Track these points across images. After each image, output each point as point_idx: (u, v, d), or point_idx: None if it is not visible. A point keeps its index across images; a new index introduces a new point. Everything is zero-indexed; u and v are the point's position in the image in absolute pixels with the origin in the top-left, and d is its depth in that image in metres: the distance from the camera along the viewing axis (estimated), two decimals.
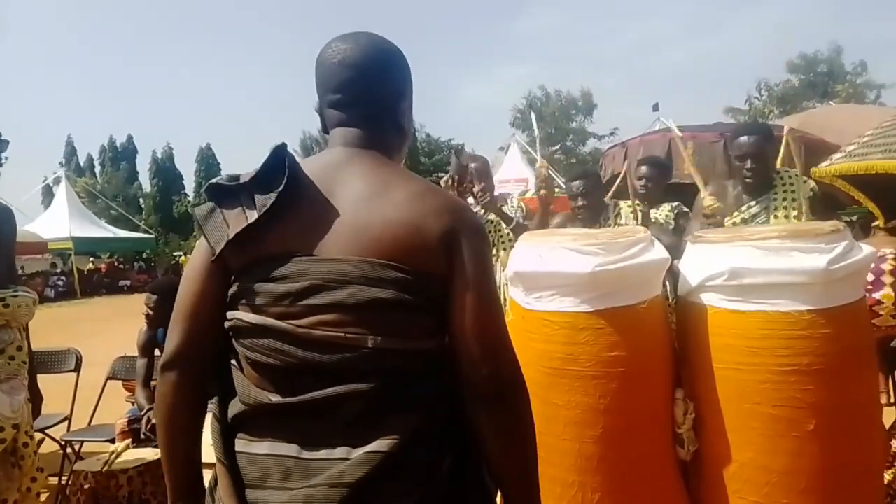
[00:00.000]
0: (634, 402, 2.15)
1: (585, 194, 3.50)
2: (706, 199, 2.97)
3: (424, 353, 1.19)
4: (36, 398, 2.94)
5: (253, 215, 1.19)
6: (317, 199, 1.20)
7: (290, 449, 1.16)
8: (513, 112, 29.01)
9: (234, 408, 1.23)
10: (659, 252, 2.20)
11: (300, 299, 1.15)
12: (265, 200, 1.20)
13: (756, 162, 3.03)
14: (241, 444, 1.22)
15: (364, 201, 1.18)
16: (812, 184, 3.12)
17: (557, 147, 27.40)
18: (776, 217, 2.99)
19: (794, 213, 2.98)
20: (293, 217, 1.20)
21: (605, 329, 2.13)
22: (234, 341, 1.23)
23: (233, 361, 1.26)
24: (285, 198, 1.19)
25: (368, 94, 1.30)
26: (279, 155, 1.24)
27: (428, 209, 1.17)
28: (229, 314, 1.22)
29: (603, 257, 2.10)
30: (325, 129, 1.37)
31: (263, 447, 1.18)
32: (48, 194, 33.70)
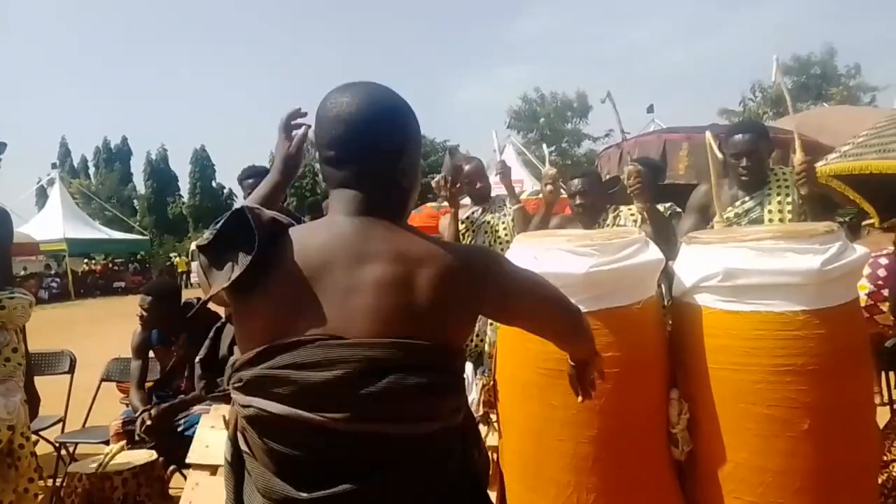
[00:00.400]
0: (629, 403, 2.16)
1: (584, 193, 3.50)
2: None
3: (455, 430, 1.21)
4: (33, 400, 2.93)
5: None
6: (328, 278, 1.13)
7: None
8: (508, 114, 29.04)
9: (254, 501, 1.18)
10: (653, 253, 2.21)
11: (336, 389, 1.07)
12: (243, 262, 1.12)
13: (751, 159, 3.05)
14: None
15: (385, 281, 1.11)
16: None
17: (553, 149, 27.42)
18: (769, 212, 3.01)
19: (789, 207, 3.00)
20: (309, 296, 1.12)
21: (601, 330, 2.12)
22: (248, 429, 1.16)
23: (245, 449, 1.19)
24: (292, 271, 1.13)
25: (361, 151, 1.21)
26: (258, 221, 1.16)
27: (459, 288, 1.16)
28: (243, 400, 1.14)
29: (597, 258, 2.10)
30: (326, 184, 1.31)
31: None
32: (42, 196, 33.62)
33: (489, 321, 3.89)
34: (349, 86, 1.24)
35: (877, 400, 2.94)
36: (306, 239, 1.18)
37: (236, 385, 1.16)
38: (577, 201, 3.52)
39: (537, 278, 1.37)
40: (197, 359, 3.50)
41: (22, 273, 24.11)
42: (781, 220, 2.98)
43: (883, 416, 2.61)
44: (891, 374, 3.72)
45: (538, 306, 1.36)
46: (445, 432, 1.17)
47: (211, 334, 3.56)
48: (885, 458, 2.51)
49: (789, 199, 3.00)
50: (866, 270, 4.14)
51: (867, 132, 2.76)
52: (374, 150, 1.21)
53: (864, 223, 4.66)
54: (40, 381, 3.04)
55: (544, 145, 5.35)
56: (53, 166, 31.98)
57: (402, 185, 1.26)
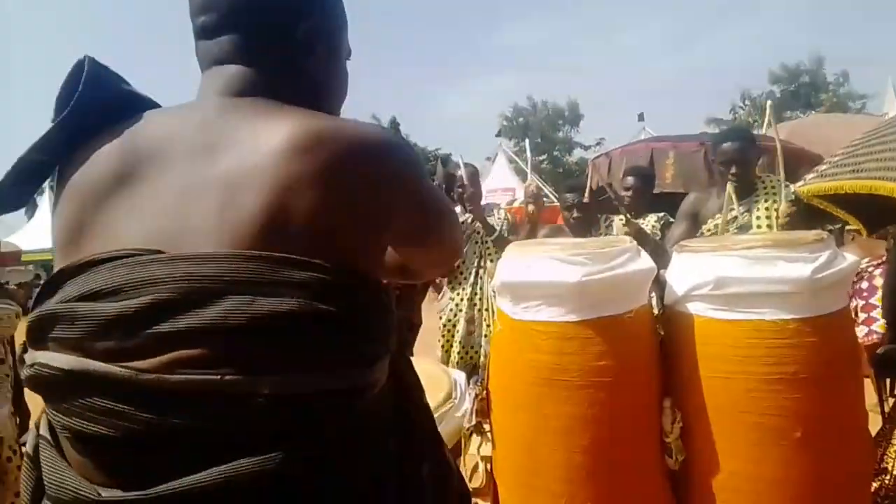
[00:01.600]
0: (622, 412, 2.15)
1: (579, 207, 3.53)
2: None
3: (354, 395, 0.78)
4: (23, 412, 2.90)
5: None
6: (165, 168, 0.80)
7: None
8: (500, 120, 29.14)
9: None
10: (645, 261, 2.21)
11: (142, 326, 0.71)
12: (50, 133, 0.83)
13: (740, 166, 3.08)
14: None
15: (240, 166, 0.78)
16: (794, 189, 3.17)
17: (544, 157, 27.52)
18: (758, 219, 3.05)
19: (777, 214, 3.02)
20: (127, 195, 0.80)
21: (593, 338, 2.12)
22: (46, 403, 0.79)
23: (45, 433, 0.81)
24: (105, 162, 0.81)
25: (244, 10, 0.89)
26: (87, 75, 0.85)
27: (335, 149, 0.79)
28: (27, 357, 0.79)
29: (589, 267, 2.10)
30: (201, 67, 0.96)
31: None
32: (31, 205, 33.42)
33: (484, 334, 3.88)
34: None
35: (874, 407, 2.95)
36: (146, 120, 0.86)
37: (26, 339, 0.82)
38: (574, 214, 3.54)
39: (444, 200, 1.02)
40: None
41: (12, 283, 23.92)
42: (769, 227, 3.01)
43: (875, 424, 2.61)
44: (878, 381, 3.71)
45: (436, 238, 1.00)
46: (343, 398, 0.77)
47: None
48: (878, 465, 2.52)
49: (777, 206, 3.03)
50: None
51: (843, 151, 2.78)
52: (262, 9, 0.90)
53: (847, 228, 4.70)
54: (27, 394, 3.01)
55: (526, 141, 5.40)
56: None
57: (307, 69, 0.93)
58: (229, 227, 0.76)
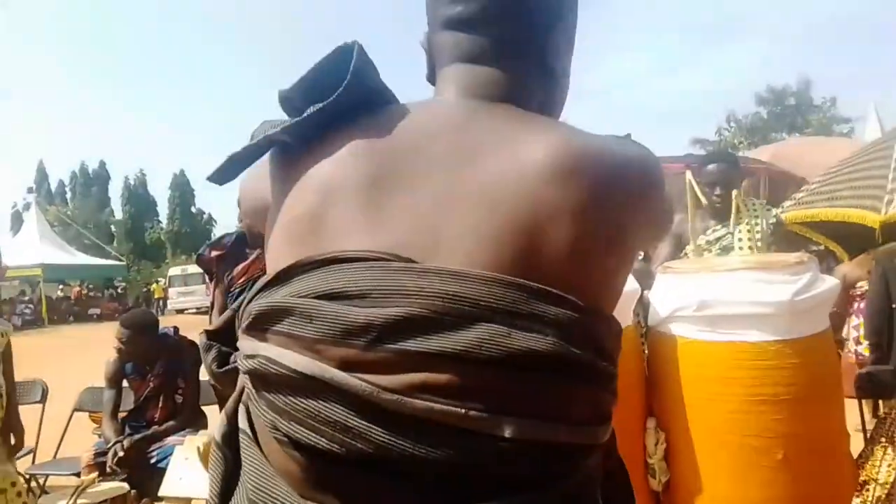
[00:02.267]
0: None
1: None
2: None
3: (591, 451, 0.73)
4: (16, 432, 2.87)
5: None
6: (418, 172, 0.74)
7: None
8: None
9: None
10: (629, 283, 2.23)
11: (389, 339, 0.65)
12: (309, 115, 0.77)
13: (723, 188, 3.15)
14: None
15: (500, 180, 0.71)
16: (776, 212, 3.24)
17: None
18: (739, 240, 3.10)
19: (758, 235, 3.08)
20: (377, 196, 0.74)
21: None
22: (253, 395, 0.74)
23: (244, 427, 0.77)
24: (357, 157, 0.76)
25: (506, 5, 0.81)
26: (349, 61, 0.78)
27: (600, 174, 0.72)
28: (248, 348, 0.74)
29: None
30: (432, 73, 0.89)
31: None
32: (17, 220, 33.19)
33: None
34: None
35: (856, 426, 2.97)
36: (398, 118, 0.79)
37: (244, 326, 0.76)
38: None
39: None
40: (203, 330, 3.45)
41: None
42: (751, 248, 3.05)
43: (857, 444, 2.63)
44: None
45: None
46: (579, 452, 0.71)
47: (235, 294, 3.49)
48: (859, 485, 2.54)
49: (759, 228, 3.08)
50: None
51: (819, 179, 2.85)
52: (528, 8, 0.82)
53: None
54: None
55: None
56: (30, 191, 31.75)
57: (554, 69, 0.87)
58: (486, 245, 0.69)
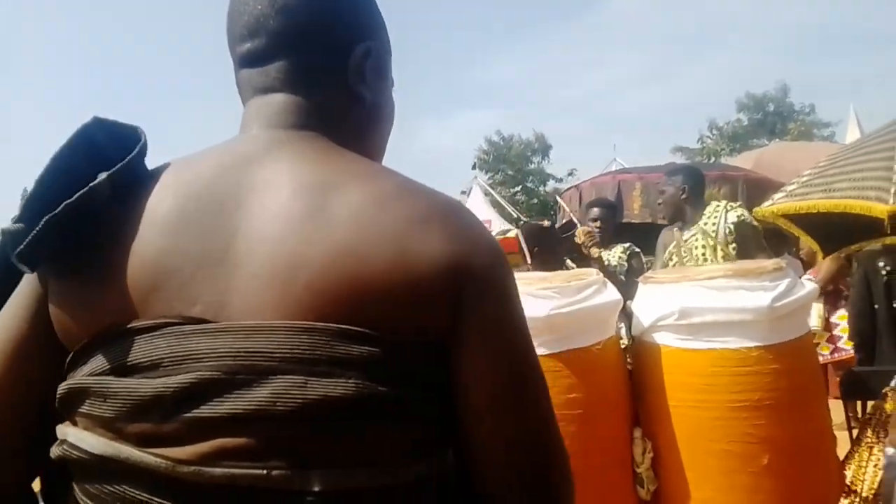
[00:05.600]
0: (594, 444, 2.17)
1: (544, 241, 3.60)
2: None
3: (413, 488, 0.67)
4: None
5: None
6: (206, 221, 0.69)
7: None
8: (476, 153, 29.47)
9: None
10: (611, 294, 2.25)
11: (181, 408, 0.62)
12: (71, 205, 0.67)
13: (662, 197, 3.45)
14: None
15: (295, 221, 0.67)
16: (739, 213, 3.26)
17: (519, 188, 27.78)
18: (695, 248, 3.29)
19: (713, 243, 3.22)
20: (173, 256, 0.68)
21: (563, 371, 2.15)
22: (72, 483, 0.69)
23: None
24: (151, 221, 0.70)
25: (292, 34, 0.78)
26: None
27: (408, 221, 0.68)
28: (59, 431, 0.69)
29: (557, 300, 2.14)
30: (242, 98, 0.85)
31: None
32: None
33: None
34: None
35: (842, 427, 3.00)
36: (183, 168, 0.75)
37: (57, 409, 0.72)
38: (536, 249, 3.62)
39: (534, 361, 0.76)
40: None
41: None
42: (704, 250, 3.19)
43: (843, 447, 2.66)
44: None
45: (506, 388, 0.71)
46: (399, 492, 0.65)
47: None
48: (846, 487, 2.55)
49: (714, 231, 3.24)
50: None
51: (810, 172, 2.89)
52: (317, 33, 0.80)
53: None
54: None
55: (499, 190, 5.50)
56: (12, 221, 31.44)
57: (362, 95, 0.82)
58: (280, 289, 0.65)
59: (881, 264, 4.24)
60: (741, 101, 29.72)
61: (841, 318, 4.77)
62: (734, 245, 3.13)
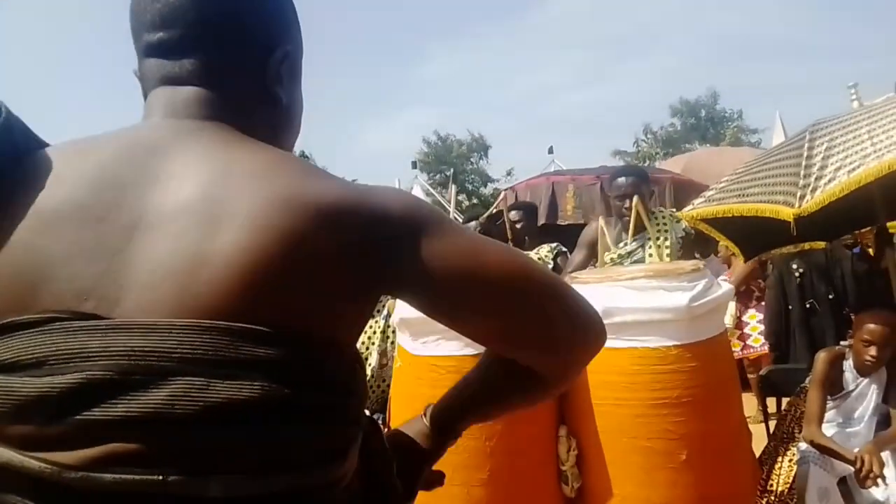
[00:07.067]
0: (520, 442, 2.19)
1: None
2: None
3: (321, 492, 0.66)
4: None
5: None
6: (103, 211, 0.66)
7: None
8: (416, 154, 29.51)
9: None
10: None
11: (69, 410, 0.58)
12: None
13: (632, 201, 3.26)
14: None
15: (198, 213, 0.65)
16: (685, 224, 3.38)
17: (458, 188, 27.98)
18: (650, 255, 3.19)
19: (667, 250, 3.19)
20: (53, 243, 0.65)
21: None
22: None
23: None
24: (21, 206, 0.66)
25: (210, 29, 0.77)
26: None
27: (314, 209, 0.65)
28: None
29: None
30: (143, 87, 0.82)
31: None
32: None
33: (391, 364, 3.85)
34: None
35: (758, 424, 3.13)
36: (77, 154, 0.72)
37: None
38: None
39: (503, 249, 0.80)
40: None
41: None
42: (659, 254, 3.17)
43: (759, 445, 2.76)
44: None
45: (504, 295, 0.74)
46: (305, 498, 0.64)
47: None
48: (762, 485, 2.65)
49: (668, 242, 3.21)
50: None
51: (727, 178, 3.00)
52: (235, 31, 0.78)
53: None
54: None
55: (453, 187, 5.60)
56: None
57: (277, 96, 0.82)
58: (179, 283, 0.62)
59: (794, 266, 4.45)
60: (674, 105, 30.62)
61: (751, 317, 5.00)
62: (681, 254, 3.22)
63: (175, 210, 0.65)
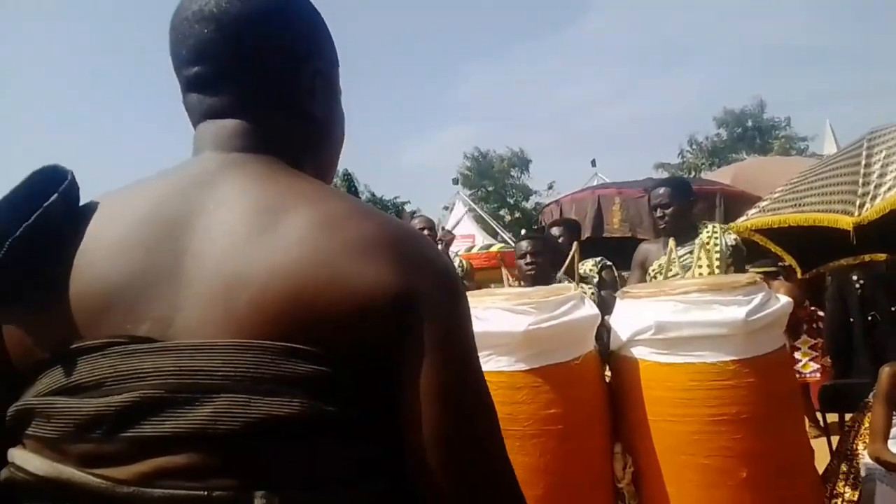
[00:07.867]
0: (574, 459, 2.17)
1: (535, 254, 3.59)
2: None
3: None
4: None
5: None
6: (157, 241, 0.70)
7: None
8: (457, 169, 29.61)
9: None
10: (589, 308, 2.26)
11: (123, 427, 0.62)
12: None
13: (666, 210, 3.32)
14: None
15: (242, 240, 0.68)
16: (734, 235, 3.33)
17: (498, 204, 27.94)
18: (700, 268, 3.17)
19: (717, 256, 3.17)
20: (113, 274, 0.69)
21: (542, 387, 2.15)
22: None
23: None
24: (72, 239, 0.71)
25: (241, 59, 0.79)
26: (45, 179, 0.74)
27: (354, 244, 0.68)
28: (9, 454, 0.69)
29: (535, 316, 2.14)
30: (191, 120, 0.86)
31: None
32: None
33: None
34: None
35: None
36: (134, 192, 0.77)
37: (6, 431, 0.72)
38: (528, 260, 3.62)
39: (480, 384, 0.77)
40: None
41: None
42: (710, 269, 3.13)
43: (822, 461, 2.67)
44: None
45: (446, 408, 0.69)
46: None
47: None
48: (827, 502, 2.57)
49: (717, 249, 3.17)
50: None
51: (782, 187, 2.95)
52: (262, 55, 0.80)
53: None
54: None
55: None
56: None
57: (313, 113, 0.85)
58: (224, 308, 0.65)
59: (854, 278, 4.31)
60: (719, 116, 30.15)
61: (804, 342, 4.87)
62: (731, 264, 3.16)
63: (219, 237, 0.69)
